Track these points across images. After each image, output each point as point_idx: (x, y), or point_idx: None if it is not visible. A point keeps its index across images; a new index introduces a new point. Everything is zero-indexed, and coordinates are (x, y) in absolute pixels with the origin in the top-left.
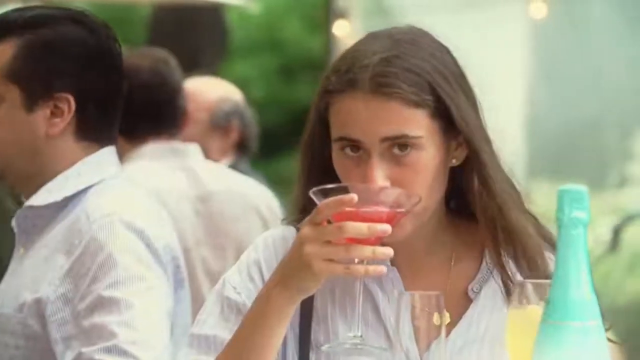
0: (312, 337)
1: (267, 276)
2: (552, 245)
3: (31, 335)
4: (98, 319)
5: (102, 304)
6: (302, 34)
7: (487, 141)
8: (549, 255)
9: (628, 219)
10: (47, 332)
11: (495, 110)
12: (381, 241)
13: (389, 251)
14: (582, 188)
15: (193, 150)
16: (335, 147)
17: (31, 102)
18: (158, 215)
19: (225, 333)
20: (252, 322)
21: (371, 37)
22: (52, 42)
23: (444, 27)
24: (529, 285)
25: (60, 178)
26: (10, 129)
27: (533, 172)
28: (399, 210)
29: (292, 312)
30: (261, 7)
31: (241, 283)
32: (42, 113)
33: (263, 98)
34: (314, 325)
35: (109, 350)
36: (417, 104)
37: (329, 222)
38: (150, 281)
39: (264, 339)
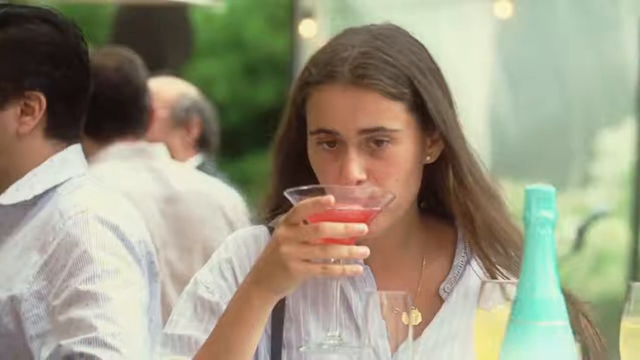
0: (284, 335)
1: (239, 275)
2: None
3: (6, 333)
4: (75, 312)
5: (79, 298)
6: (267, 34)
7: (463, 138)
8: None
9: (592, 218)
10: (22, 330)
11: (460, 110)
12: (356, 240)
13: (365, 250)
14: (549, 188)
15: (159, 151)
16: (312, 141)
17: (2, 100)
18: (131, 212)
19: (199, 332)
20: (230, 323)
21: (351, 32)
22: (21, 40)
23: (408, 26)
24: (496, 285)
25: (28, 176)
26: None
27: (497, 172)
28: (374, 208)
29: (269, 311)
30: (225, 7)
31: (214, 282)
32: (12, 111)
33: (227, 98)
34: (285, 323)
35: (89, 342)
36: (396, 97)
37: (304, 222)
38: (126, 275)
39: (242, 339)
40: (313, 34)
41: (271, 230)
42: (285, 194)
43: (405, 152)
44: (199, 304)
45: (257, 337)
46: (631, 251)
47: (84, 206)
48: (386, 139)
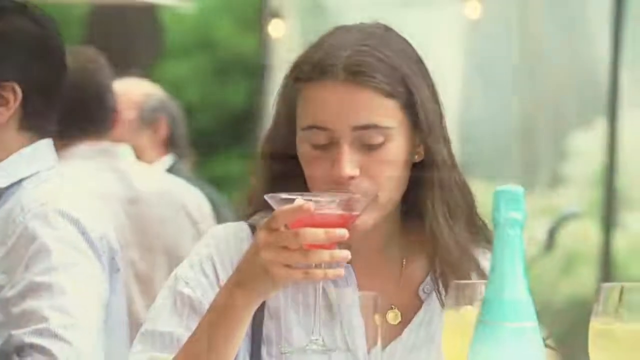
0: (264, 332)
1: (220, 271)
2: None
3: None
4: (29, 304)
5: (33, 289)
6: (236, 34)
7: (446, 140)
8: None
9: (563, 219)
10: None
11: None
12: (337, 244)
13: (346, 254)
14: (518, 189)
15: (123, 151)
16: (302, 137)
17: None
18: (94, 208)
19: (180, 329)
20: (213, 323)
21: (343, 30)
22: None
23: None
24: (465, 285)
25: None
26: None
27: (467, 172)
28: (354, 213)
29: (252, 312)
30: (194, 8)
31: (194, 278)
32: None
33: (197, 99)
34: (265, 320)
35: (40, 333)
36: (390, 95)
37: (285, 226)
38: (84, 269)
39: (225, 339)
40: (282, 34)
41: (252, 227)
42: (266, 198)
43: (397, 149)
44: (179, 299)
45: (240, 337)
46: (602, 252)
47: (44, 199)
48: (379, 136)
